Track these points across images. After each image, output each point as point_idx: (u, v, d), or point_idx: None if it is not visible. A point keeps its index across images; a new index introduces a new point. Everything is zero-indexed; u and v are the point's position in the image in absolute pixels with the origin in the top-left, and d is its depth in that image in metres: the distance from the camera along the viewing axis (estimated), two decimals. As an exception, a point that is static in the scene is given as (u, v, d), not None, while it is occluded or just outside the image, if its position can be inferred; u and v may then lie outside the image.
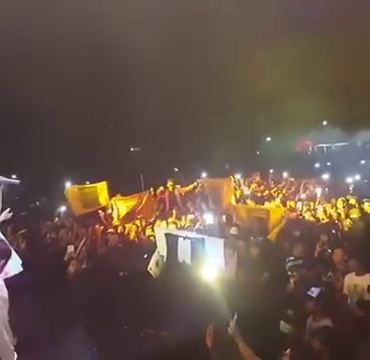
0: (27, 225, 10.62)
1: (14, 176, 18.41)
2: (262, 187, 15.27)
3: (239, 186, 14.46)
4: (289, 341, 4.79)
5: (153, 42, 17.35)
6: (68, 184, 13.01)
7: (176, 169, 17.05)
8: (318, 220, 10.30)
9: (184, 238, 6.65)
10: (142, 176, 16.86)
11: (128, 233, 10.02)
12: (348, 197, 11.90)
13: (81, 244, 8.56)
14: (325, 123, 26.59)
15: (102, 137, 22.77)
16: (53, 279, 6.55)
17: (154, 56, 18.37)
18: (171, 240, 6.87)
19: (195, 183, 13.71)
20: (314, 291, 5.20)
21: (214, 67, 19.77)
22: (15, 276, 6.86)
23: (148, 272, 6.38)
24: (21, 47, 15.99)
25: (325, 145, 28.00)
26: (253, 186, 15.06)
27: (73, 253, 8.04)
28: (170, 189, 13.54)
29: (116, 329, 4.69)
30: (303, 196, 13.16)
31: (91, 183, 16.95)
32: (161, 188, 13.47)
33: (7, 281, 6.61)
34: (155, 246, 7.28)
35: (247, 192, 13.84)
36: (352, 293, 5.80)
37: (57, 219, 11.85)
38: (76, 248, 8.54)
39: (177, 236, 6.84)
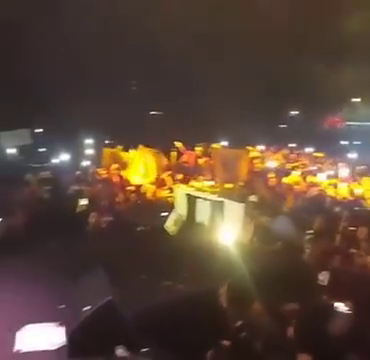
0: (50, 177, 10.90)
1: (40, 130, 18.78)
2: (285, 160, 15.12)
3: (262, 157, 14.30)
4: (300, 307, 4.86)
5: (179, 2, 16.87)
6: (88, 141, 13.51)
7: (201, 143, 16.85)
8: (342, 197, 10.20)
9: (204, 200, 6.73)
10: (161, 140, 16.77)
11: (145, 192, 10.17)
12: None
13: (101, 198, 8.79)
14: (357, 100, 25.74)
15: (125, 99, 22.64)
16: (74, 228, 6.80)
17: (180, 16, 17.89)
18: (191, 201, 6.96)
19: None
20: (324, 279, 5.15)
21: (244, 33, 19.16)
22: (38, 223, 7.21)
23: (165, 229, 6.50)
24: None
25: (355, 123, 27.18)
26: (277, 158, 14.88)
27: (85, 206, 8.14)
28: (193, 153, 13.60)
29: (133, 278, 4.84)
30: (329, 173, 12.97)
31: (112, 143, 17.13)
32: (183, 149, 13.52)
33: (31, 226, 6.94)
34: (172, 206, 7.43)
35: (271, 164, 13.68)
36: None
37: (79, 173, 12.06)
38: (95, 202, 8.75)
39: (197, 197, 6.93)
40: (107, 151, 13.04)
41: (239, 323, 4.17)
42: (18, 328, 3.86)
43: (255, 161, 13.31)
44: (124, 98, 21.93)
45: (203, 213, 6.65)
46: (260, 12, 18.36)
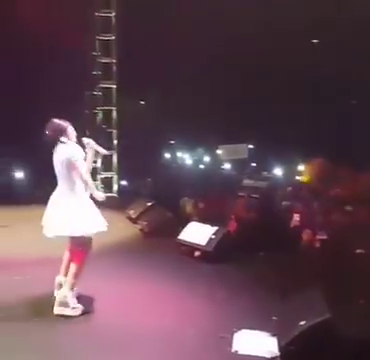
0: (263, 190, 11.22)
1: (251, 146, 19.63)
2: None
3: None
4: None
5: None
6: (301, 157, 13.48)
7: None
8: None
9: None
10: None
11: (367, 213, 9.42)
12: None
13: (315, 215, 8.58)
14: None
15: (344, 112, 21.64)
16: (287, 243, 6.84)
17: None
18: None
19: None
20: None
21: None
22: (250, 234, 7.55)
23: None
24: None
25: None
26: None
27: (298, 222, 8.11)
28: None
29: (350, 302, 4.51)
30: None
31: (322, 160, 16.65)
32: None
33: (244, 236, 7.30)
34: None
35: None
36: None
37: (291, 188, 12.07)
38: (309, 218, 8.56)
39: None
40: (311, 166, 12.85)
41: None
42: (235, 331, 4.02)
43: None
44: (340, 115, 21.07)
45: None
46: None
